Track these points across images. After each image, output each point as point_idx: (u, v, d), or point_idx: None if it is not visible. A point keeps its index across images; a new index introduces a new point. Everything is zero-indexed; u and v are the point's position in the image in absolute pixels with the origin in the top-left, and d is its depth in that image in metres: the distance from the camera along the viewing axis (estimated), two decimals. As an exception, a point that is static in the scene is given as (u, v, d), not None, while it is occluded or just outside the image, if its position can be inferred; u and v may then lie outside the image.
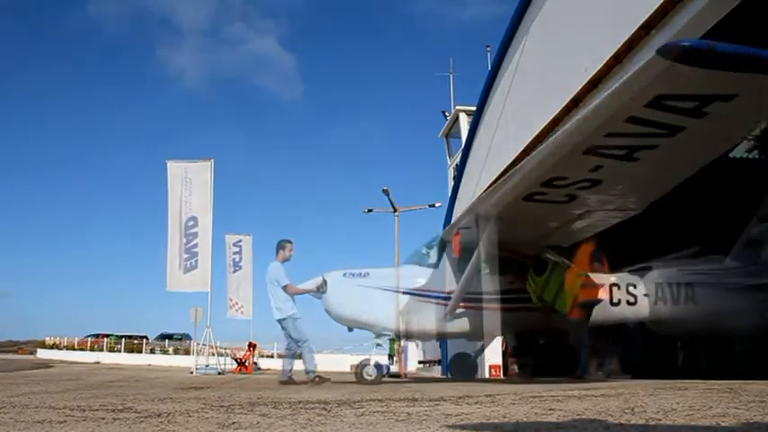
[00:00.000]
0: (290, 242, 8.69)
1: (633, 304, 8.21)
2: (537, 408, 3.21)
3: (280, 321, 8.37)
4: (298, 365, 8.53)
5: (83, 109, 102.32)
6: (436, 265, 9.46)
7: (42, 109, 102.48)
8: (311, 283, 8.86)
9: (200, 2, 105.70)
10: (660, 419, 2.52)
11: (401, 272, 9.50)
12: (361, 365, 8.74)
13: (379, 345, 9.06)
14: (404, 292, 9.10)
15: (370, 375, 8.59)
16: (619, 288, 8.25)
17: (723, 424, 2.33)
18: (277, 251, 8.73)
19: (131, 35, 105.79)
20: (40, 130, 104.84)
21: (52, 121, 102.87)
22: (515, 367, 10.16)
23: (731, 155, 12.32)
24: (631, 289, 8.28)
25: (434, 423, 2.63)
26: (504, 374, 9.68)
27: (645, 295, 8.17)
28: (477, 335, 10.22)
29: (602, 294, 8.08)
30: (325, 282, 8.83)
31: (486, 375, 9.39)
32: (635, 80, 5.84)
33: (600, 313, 8.07)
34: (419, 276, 9.34)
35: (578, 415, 2.77)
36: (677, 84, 5.79)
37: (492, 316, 9.35)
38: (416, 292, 9.15)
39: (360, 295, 8.83)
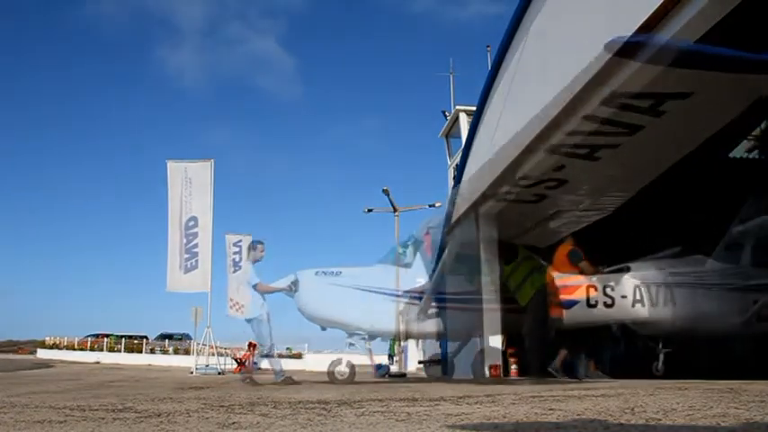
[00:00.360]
0: (262, 243, 8.82)
1: (610, 306, 8.12)
2: (537, 408, 3.21)
3: (248, 321, 8.46)
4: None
5: (82, 109, 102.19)
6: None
7: (41, 109, 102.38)
8: (283, 282, 8.91)
9: (199, 2, 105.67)
10: (660, 419, 2.52)
11: (375, 271, 9.49)
12: (333, 365, 8.74)
13: (351, 344, 9.04)
14: (376, 292, 9.08)
15: (343, 375, 8.58)
16: (596, 289, 8.15)
17: (723, 424, 2.33)
18: (248, 252, 8.82)
19: (130, 35, 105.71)
20: (39, 131, 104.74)
21: (52, 121, 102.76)
22: (515, 367, 10.14)
23: (731, 154, 12.35)
24: (609, 290, 8.18)
25: (434, 423, 2.63)
26: (505, 374, 9.66)
27: (623, 297, 8.06)
28: (452, 335, 10.25)
29: (578, 295, 8.02)
30: (296, 280, 8.84)
31: (487, 375, 9.37)
32: (586, 77, 5.83)
33: (577, 314, 8.01)
34: (394, 276, 9.31)
35: (578, 415, 2.77)
36: (630, 81, 5.81)
37: (466, 316, 9.37)
38: (389, 291, 9.14)
39: (331, 294, 8.82)
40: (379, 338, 9.85)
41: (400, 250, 10.01)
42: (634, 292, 7.97)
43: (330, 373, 8.69)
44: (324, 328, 9.21)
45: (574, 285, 8.04)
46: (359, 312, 8.90)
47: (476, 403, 3.68)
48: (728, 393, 3.65)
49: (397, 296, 9.19)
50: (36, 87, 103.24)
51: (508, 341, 10.15)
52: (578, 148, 7.17)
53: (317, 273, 9.04)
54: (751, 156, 12.46)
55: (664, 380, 6.78)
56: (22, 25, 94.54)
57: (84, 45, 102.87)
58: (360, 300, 8.91)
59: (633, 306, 7.96)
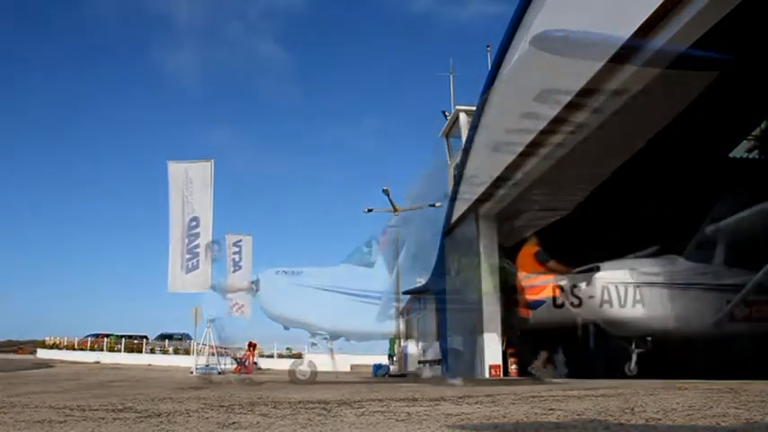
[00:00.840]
0: (218, 243, 8.91)
1: (578, 306, 8.03)
2: (537, 408, 3.21)
3: (211, 321, 8.56)
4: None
5: (82, 110, 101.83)
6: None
7: (41, 110, 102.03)
8: (243, 282, 8.98)
9: (199, 2, 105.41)
10: (660, 419, 2.52)
11: (336, 271, 9.51)
12: (295, 365, 8.80)
13: (313, 344, 9.07)
14: (336, 291, 9.10)
15: (304, 375, 8.60)
16: (562, 289, 8.04)
17: (723, 424, 2.33)
18: (206, 252, 8.87)
19: (129, 36, 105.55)
20: (39, 132, 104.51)
21: (51, 122, 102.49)
22: (514, 367, 10.13)
23: (731, 155, 12.36)
24: (576, 290, 8.08)
25: (434, 423, 2.63)
26: (505, 374, 9.65)
27: (590, 297, 7.97)
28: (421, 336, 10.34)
29: (544, 295, 7.94)
30: (257, 280, 8.89)
31: (486, 375, 9.38)
32: (516, 72, 5.87)
33: (544, 314, 7.93)
34: (355, 275, 9.35)
35: (578, 415, 2.77)
36: (556, 76, 5.82)
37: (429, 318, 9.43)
38: (349, 291, 9.17)
39: (292, 293, 8.84)
40: (342, 338, 9.83)
41: (365, 250, 10.06)
42: (602, 293, 7.84)
43: (291, 373, 8.72)
44: (287, 328, 9.27)
45: (540, 285, 7.96)
46: (319, 312, 8.93)
47: (476, 403, 3.68)
48: (728, 393, 3.65)
49: (358, 296, 9.24)
50: (36, 88, 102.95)
51: (507, 342, 10.15)
52: (522, 147, 7.26)
53: (277, 272, 9.08)
54: (751, 156, 12.46)
55: (665, 380, 6.76)
56: (21, 25, 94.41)
57: (84, 46, 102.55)
58: (320, 299, 8.94)
59: (601, 306, 7.81)
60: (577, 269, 8.13)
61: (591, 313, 7.98)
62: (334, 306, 9.03)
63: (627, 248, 8.75)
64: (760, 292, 7.64)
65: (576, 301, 7.98)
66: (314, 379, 8.56)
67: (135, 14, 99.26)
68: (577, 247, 8.62)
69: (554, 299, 7.88)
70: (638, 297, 7.76)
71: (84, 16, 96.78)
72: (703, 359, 8.85)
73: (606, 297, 7.80)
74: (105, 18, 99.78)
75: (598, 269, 7.93)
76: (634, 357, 7.86)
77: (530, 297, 7.98)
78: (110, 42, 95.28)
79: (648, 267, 8.05)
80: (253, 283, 8.90)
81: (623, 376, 7.66)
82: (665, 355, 8.21)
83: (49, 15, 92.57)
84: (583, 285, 7.94)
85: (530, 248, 8.23)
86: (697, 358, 8.88)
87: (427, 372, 10.90)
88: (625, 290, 7.79)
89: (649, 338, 7.94)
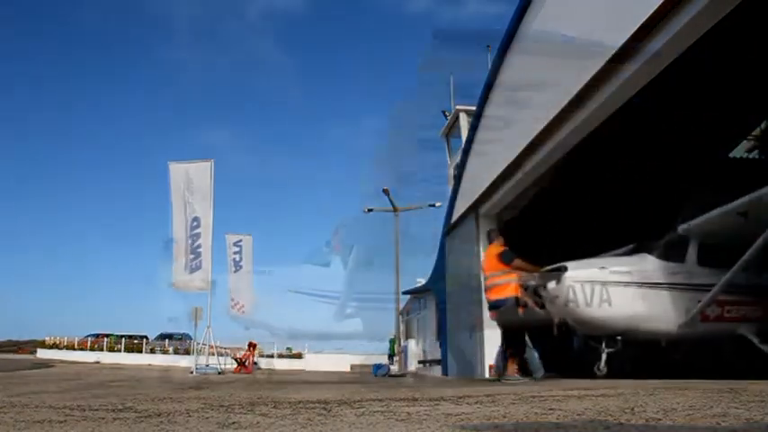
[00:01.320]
0: (172, 240, 9.06)
1: (542, 306, 7.91)
2: (537, 407, 3.21)
3: (170, 320, 8.75)
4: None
5: (82, 111, 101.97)
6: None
7: (42, 111, 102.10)
8: (199, 281, 9.06)
9: (199, 2, 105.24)
10: (660, 419, 2.52)
11: (295, 271, 9.59)
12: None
13: (273, 343, 9.22)
14: (295, 292, 9.15)
15: (262, 374, 8.72)
16: (526, 289, 7.91)
17: (723, 424, 2.33)
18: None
19: (129, 36, 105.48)
20: (39, 133, 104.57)
21: (52, 123, 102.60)
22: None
23: (731, 155, 12.37)
24: (541, 290, 7.85)
25: (434, 423, 2.63)
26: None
27: (555, 296, 7.73)
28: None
29: (507, 294, 7.78)
30: (214, 280, 9.00)
31: (486, 375, 9.38)
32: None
33: (508, 314, 7.80)
34: (314, 275, 9.40)
35: (578, 415, 2.77)
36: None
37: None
38: (311, 291, 9.19)
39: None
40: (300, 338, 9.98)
41: (324, 249, 10.15)
42: (568, 291, 7.67)
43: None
44: (247, 328, 9.43)
45: (502, 285, 7.79)
46: (277, 312, 9.02)
47: (476, 403, 3.68)
48: (728, 393, 3.64)
49: (317, 296, 9.28)
50: (35, 88, 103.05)
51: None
52: (466, 143, 7.31)
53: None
54: (751, 156, 12.48)
55: (666, 380, 6.75)
56: (20, 25, 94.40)
57: (84, 45, 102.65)
58: (279, 299, 9.05)
59: (567, 305, 7.66)
60: (544, 268, 8.00)
61: (557, 312, 7.88)
62: (293, 306, 9.17)
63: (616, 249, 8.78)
64: (732, 292, 7.50)
65: (540, 301, 7.88)
66: (270, 378, 8.64)
67: (135, 14, 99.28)
68: (572, 248, 8.58)
69: (516, 299, 7.72)
70: (605, 296, 7.61)
71: (84, 16, 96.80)
72: (628, 360, 8.71)
73: (572, 296, 7.61)
74: (105, 18, 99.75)
75: (566, 269, 7.80)
76: (604, 357, 7.74)
77: (492, 297, 7.85)
78: (110, 42, 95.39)
79: (618, 266, 7.93)
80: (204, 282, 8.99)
81: (593, 376, 7.58)
82: (658, 355, 8.16)
83: (49, 15, 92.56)
84: (551, 284, 7.82)
85: (495, 248, 8.06)
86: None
87: (435, 371, 10.94)
88: (592, 289, 7.62)
89: (619, 338, 7.82)
